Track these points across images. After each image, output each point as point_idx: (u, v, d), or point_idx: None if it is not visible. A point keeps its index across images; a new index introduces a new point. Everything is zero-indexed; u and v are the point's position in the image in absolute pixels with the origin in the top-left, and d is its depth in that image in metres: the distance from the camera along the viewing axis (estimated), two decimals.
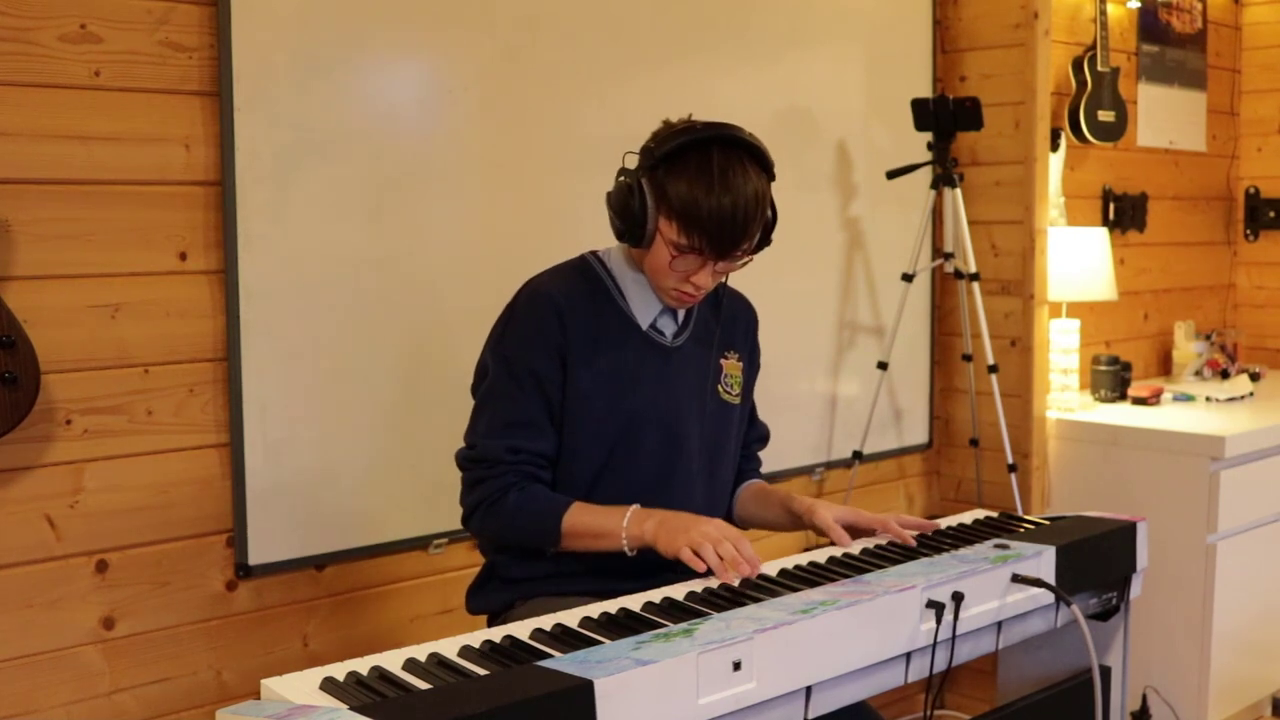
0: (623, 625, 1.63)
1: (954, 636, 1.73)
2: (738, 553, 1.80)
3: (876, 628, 1.65)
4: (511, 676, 1.40)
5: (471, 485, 1.95)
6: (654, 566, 1.87)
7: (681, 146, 1.85)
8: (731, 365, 2.10)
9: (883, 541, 2.01)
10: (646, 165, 1.87)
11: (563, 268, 2.02)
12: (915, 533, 2.02)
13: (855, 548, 1.98)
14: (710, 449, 2.06)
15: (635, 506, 1.88)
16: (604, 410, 1.94)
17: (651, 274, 1.95)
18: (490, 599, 2.03)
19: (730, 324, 2.11)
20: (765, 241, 1.95)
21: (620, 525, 1.86)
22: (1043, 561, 1.88)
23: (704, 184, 1.83)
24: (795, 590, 1.71)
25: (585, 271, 2.00)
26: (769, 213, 1.92)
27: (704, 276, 1.91)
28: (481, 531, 1.98)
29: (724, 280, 2.01)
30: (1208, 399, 3.73)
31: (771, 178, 1.92)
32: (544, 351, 1.92)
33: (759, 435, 2.25)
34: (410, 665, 1.50)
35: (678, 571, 1.86)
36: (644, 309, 2.00)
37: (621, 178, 1.91)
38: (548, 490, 1.94)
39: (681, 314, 2.04)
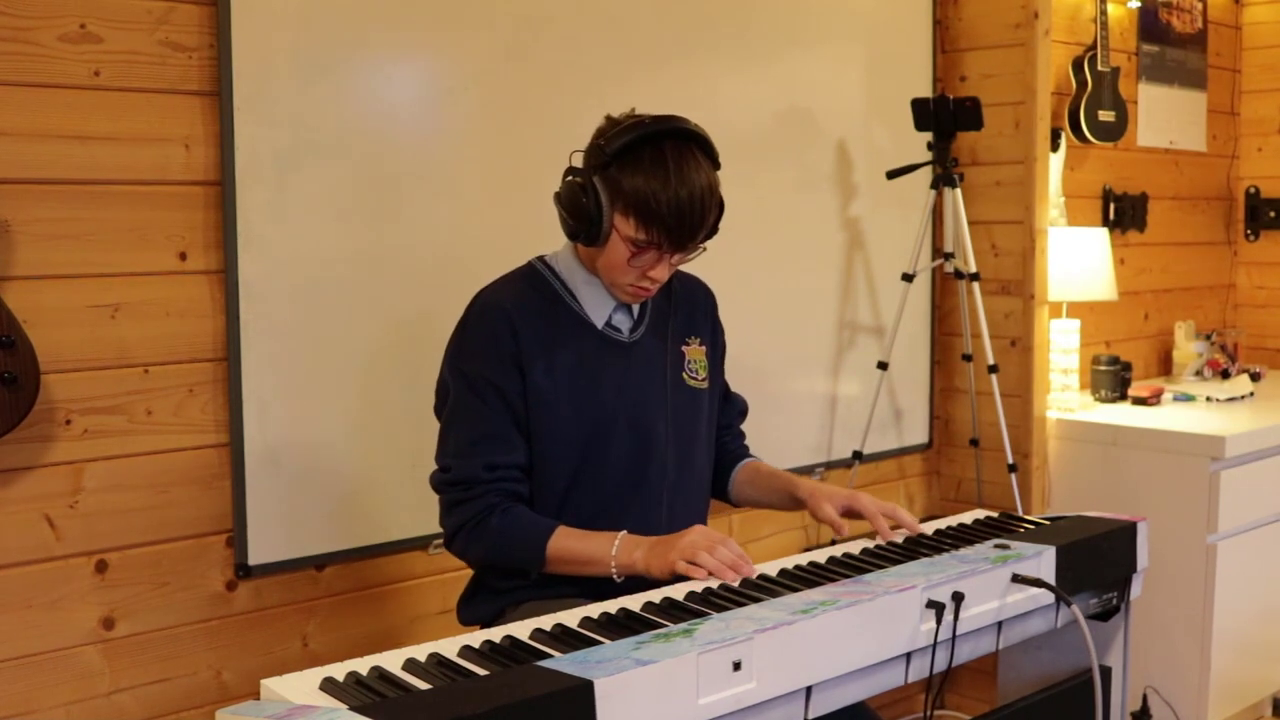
0: (623, 625, 1.63)
1: (954, 636, 1.73)
2: (731, 554, 1.80)
3: (876, 628, 1.65)
4: (511, 676, 1.40)
5: (450, 508, 1.93)
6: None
7: (634, 142, 1.84)
8: (694, 350, 2.09)
9: (883, 541, 2.02)
10: (598, 163, 1.86)
11: (511, 276, 2.02)
12: (902, 532, 2.03)
13: (855, 548, 1.98)
14: (682, 438, 2.05)
15: (624, 533, 1.87)
16: (570, 415, 1.94)
17: (606, 271, 1.94)
18: (480, 610, 2.03)
19: (686, 309, 2.11)
20: (714, 230, 1.95)
21: (609, 553, 1.85)
22: (1043, 561, 1.88)
23: (660, 178, 1.82)
24: (795, 590, 1.71)
25: (533, 278, 2.00)
26: (720, 201, 1.93)
27: (661, 270, 1.91)
28: (465, 555, 1.97)
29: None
30: (1208, 399, 3.72)
31: (717, 166, 1.92)
32: (500, 363, 1.91)
33: (738, 410, 2.25)
34: (410, 665, 1.50)
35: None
36: (597, 308, 1.99)
37: (570, 177, 1.90)
38: (529, 511, 1.93)
39: (636, 308, 2.04)
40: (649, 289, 1.94)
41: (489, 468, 1.90)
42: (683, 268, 2.03)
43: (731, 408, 2.23)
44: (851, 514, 2.04)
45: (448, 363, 1.96)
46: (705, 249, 1.94)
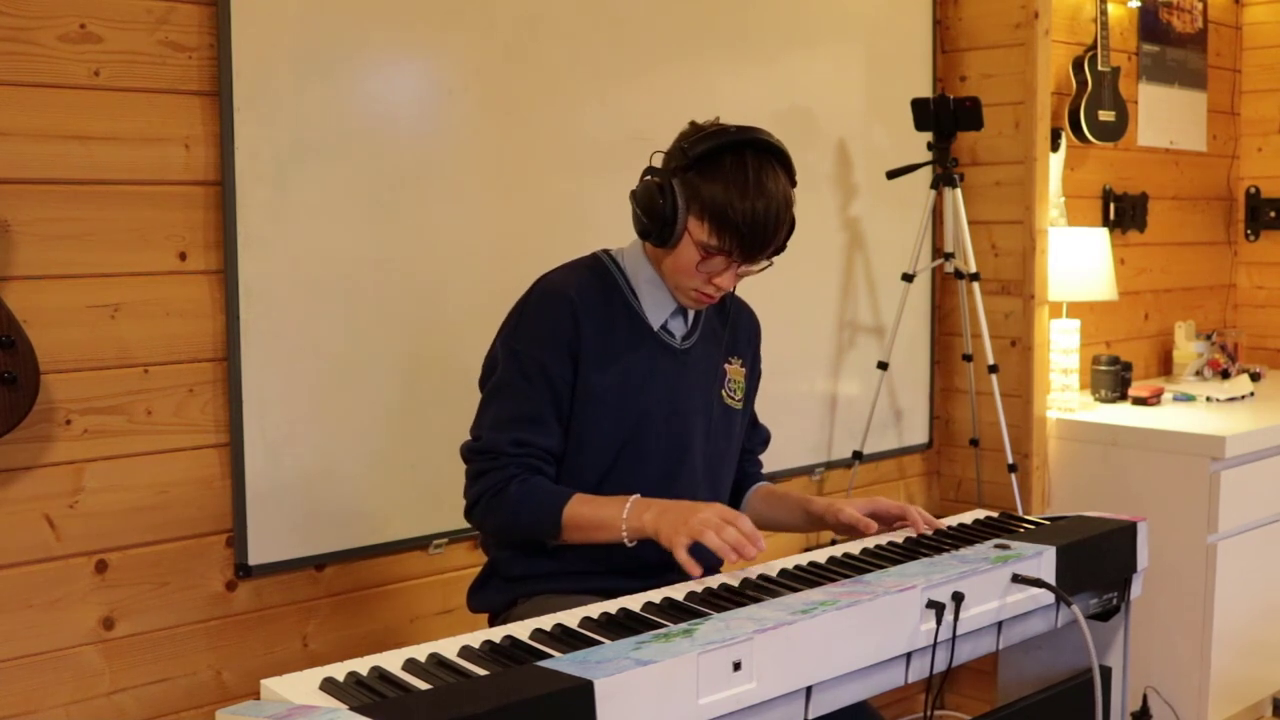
0: (623, 625, 1.63)
1: (954, 636, 1.73)
2: (740, 533, 1.78)
3: (876, 628, 1.65)
4: (511, 676, 1.40)
5: (475, 477, 1.94)
6: (656, 566, 1.87)
7: (716, 149, 1.86)
8: (735, 370, 2.11)
9: (883, 541, 2.02)
10: (679, 166, 1.87)
11: (577, 265, 2.02)
12: (928, 529, 2.06)
13: (855, 548, 1.98)
14: (713, 453, 2.06)
15: (635, 497, 1.87)
16: (614, 411, 1.95)
17: (673, 273, 1.95)
18: (491, 598, 2.03)
19: (736, 330, 2.13)
20: (783, 247, 1.96)
21: (620, 516, 1.85)
22: (1043, 561, 1.88)
23: (739, 186, 1.85)
24: (795, 590, 1.71)
25: (599, 270, 2.00)
26: (792, 217, 1.94)
27: (727, 278, 1.93)
28: (483, 524, 1.97)
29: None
30: (1208, 399, 3.72)
31: (794, 183, 1.94)
32: (556, 348, 1.91)
33: (762, 439, 2.27)
34: (410, 665, 1.50)
35: (679, 571, 1.86)
36: (656, 310, 2.00)
37: (650, 177, 1.91)
38: (549, 482, 1.93)
39: (691, 316, 2.05)
40: (711, 296, 1.96)
41: (516, 443, 1.90)
42: (738, 291, 2.06)
43: (756, 434, 2.25)
44: (873, 517, 2.06)
45: (501, 339, 1.97)
46: (772, 264, 1.95)
